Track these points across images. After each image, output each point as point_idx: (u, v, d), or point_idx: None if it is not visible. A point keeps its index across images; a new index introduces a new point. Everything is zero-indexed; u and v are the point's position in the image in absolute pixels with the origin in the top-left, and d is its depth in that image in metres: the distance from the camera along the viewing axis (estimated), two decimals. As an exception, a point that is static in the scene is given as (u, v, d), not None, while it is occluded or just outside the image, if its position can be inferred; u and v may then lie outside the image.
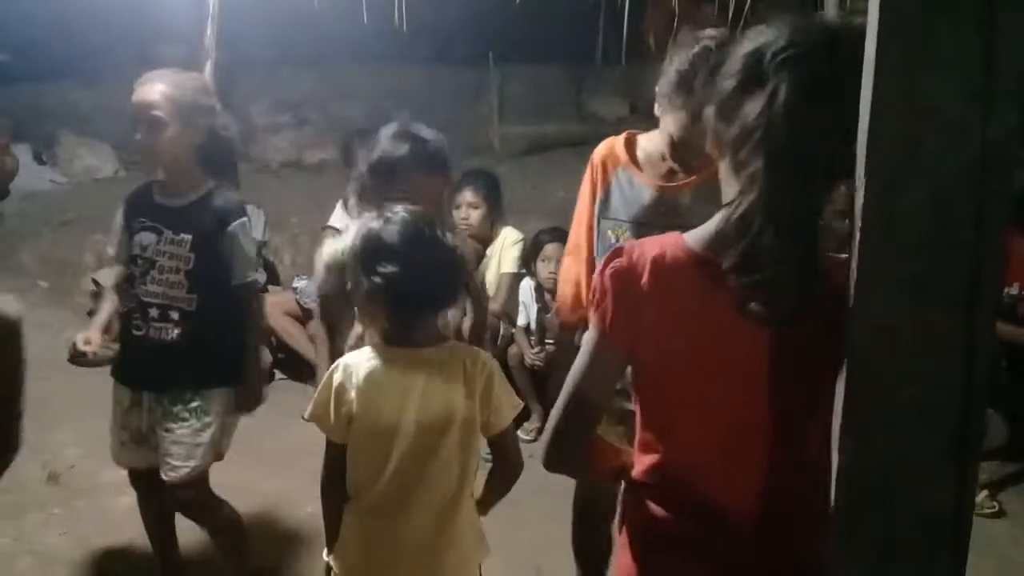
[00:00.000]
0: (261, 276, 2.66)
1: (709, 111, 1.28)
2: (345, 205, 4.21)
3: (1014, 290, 3.70)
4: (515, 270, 4.21)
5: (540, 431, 4.03)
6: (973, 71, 0.98)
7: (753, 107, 1.17)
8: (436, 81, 7.28)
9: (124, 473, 2.68)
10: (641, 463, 1.38)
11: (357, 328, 2.17)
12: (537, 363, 4.04)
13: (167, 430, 2.45)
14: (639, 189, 2.22)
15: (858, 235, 1.04)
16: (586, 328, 1.38)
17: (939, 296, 1.02)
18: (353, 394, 1.82)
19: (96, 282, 4.58)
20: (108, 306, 2.61)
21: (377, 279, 1.78)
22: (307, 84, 7.23)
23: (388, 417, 1.82)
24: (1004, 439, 3.59)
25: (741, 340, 1.24)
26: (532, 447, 3.98)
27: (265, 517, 3.23)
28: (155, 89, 2.41)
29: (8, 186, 5.91)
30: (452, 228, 2.61)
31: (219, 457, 2.57)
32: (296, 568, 3.00)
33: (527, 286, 4.19)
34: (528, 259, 4.20)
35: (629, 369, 1.37)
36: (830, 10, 4.22)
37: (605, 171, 2.27)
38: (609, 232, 2.25)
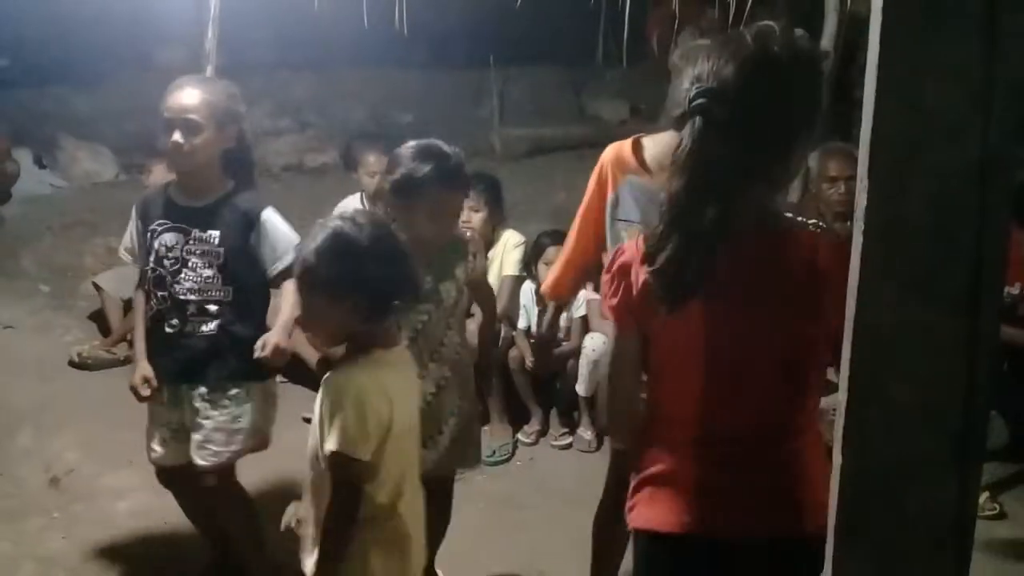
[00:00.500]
0: (292, 253, 2.64)
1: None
2: (362, 200, 4.26)
3: (1015, 290, 3.70)
4: (516, 273, 4.20)
5: (540, 434, 4.03)
6: (973, 74, 0.98)
7: (679, 138, 1.47)
8: (436, 84, 7.29)
9: (125, 477, 2.69)
10: (650, 428, 1.65)
11: None
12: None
13: (208, 417, 2.52)
14: (651, 192, 2.22)
15: (860, 237, 1.04)
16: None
17: (941, 298, 1.02)
18: (386, 408, 1.82)
19: (97, 285, 4.58)
20: (141, 330, 2.62)
21: (359, 281, 1.79)
22: (308, 88, 7.24)
23: (411, 420, 1.90)
24: (1005, 441, 3.58)
25: (702, 308, 1.49)
26: (532, 450, 4.01)
27: (263, 520, 3.23)
28: (192, 93, 2.47)
29: (9, 190, 5.92)
30: (475, 238, 2.66)
31: (264, 445, 2.65)
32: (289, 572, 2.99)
33: (528, 289, 4.19)
34: (529, 262, 4.20)
35: None
36: (830, 11, 4.23)
37: (614, 177, 2.28)
38: (623, 233, 2.26)
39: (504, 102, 7.34)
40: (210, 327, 2.52)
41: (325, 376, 1.90)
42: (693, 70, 1.49)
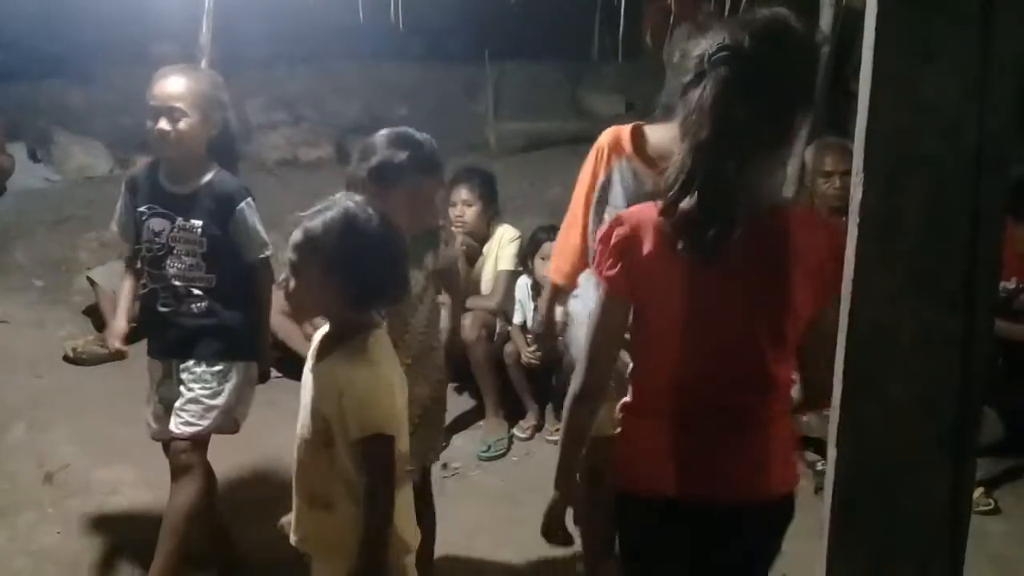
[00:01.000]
0: (271, 251, 2.77)
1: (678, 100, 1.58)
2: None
3: (1010, 284, 3.70)
4: (512, 268, 4.20)
5: (536, 429, 4.02)
6: (969, 69, 0.98)
7: (693, 97, 1.50)
8: (432, 78, 7.27)
9: (119, 472, 2.68)
10: (634, 396, 1.71)
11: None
12: (533, 361, 4.03)
13: (189, 388, 2.62)
14: (641, 180, 2.26)
15: (855, 232, 1.04)
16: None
17: (936, 293, 1.02)
18: (398, 383, 1.89)
19: (91, 280, 4.56)
20: (127, 294, 2.75)
21: (354, 265, 1.81)
22: (303, 81, 7.21)
23: (402, 399, 1.92)
24: (1000, 436, 3.59)
25: (704, 276, 1.55)
26: (528, 445, 4.01)
27: (258, 515, 3.22)
28: (178, 81, 2.53)
29: (3, 184, 5.89)
30: (448, 226, 2.66)
31: (235, 428, 2.71)
32: (280, 571, 2.99)
33: (524, 284, 4.18)
34: (525, 256, 4.19)
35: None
36: (825, 5, 4.22)
37: (609, 158, 2.32)
38: (607, 217, 2.26)
39: (499, 96, 7.32)
40: (200, 306, 2.61)
41: (321, 363, 1.90)
42: (704, 42, 1.52)
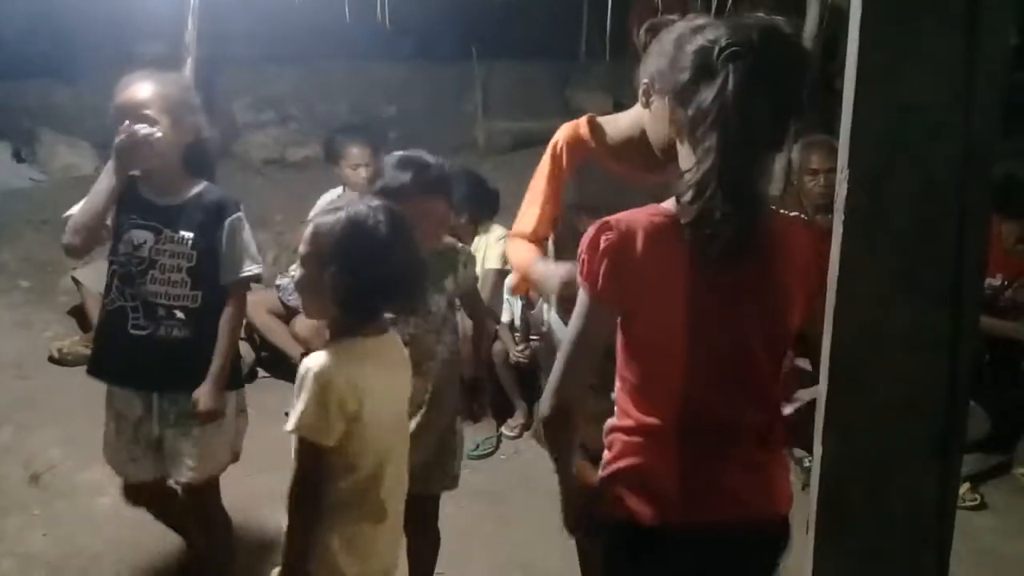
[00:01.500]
0: (261, 267, 2.60)
1: (667, 98, 1.53)
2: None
3: (996, 281, 3.73)
4: (499, 267, 4.20)
5: (524, 427, 4.03)
6: (955, 68, 0.99)
7: (707, 94, 1.40)
8: (420, 77, 7.25)
9: (105, 473, 2.65)
10: (632, 417, 1.56)
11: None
12: (522, 360, 4.03)
13: (184, 432, 2.42)
14: (614, 178, 2.12)
15: (840, 231, 1.04)
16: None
17: (923, 291, 1.03)
18: (351, 397, 1.79)
19: (76, 280, 4.54)
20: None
21: (353, 272, 1.79)
22: (290, 81, 7.19)
23: (391, 413, 1.86)
24: (986, 432, 3.61)
25: (710, 283, 1.46)
26: (516, 443, 4.01)
27: (246, 516, 3.21)
28: (145, 87, 2.40)
29: (-13, 184, 5.85)
30: (466, 249, 2.65)
31: (235, 458, 2.58)
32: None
33: (511, 282, 4.18)
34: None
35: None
36: (811, 4, 4.24)
37: (571, 157, 2.17)
38: (586, 219, 2.06)
39: (488, 95, 7.31)
40: (183, 332, 2.41)
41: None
42: (700, 37, 1.46)
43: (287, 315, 4.47)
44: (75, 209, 2.47)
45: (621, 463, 1.57)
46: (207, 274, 2.43)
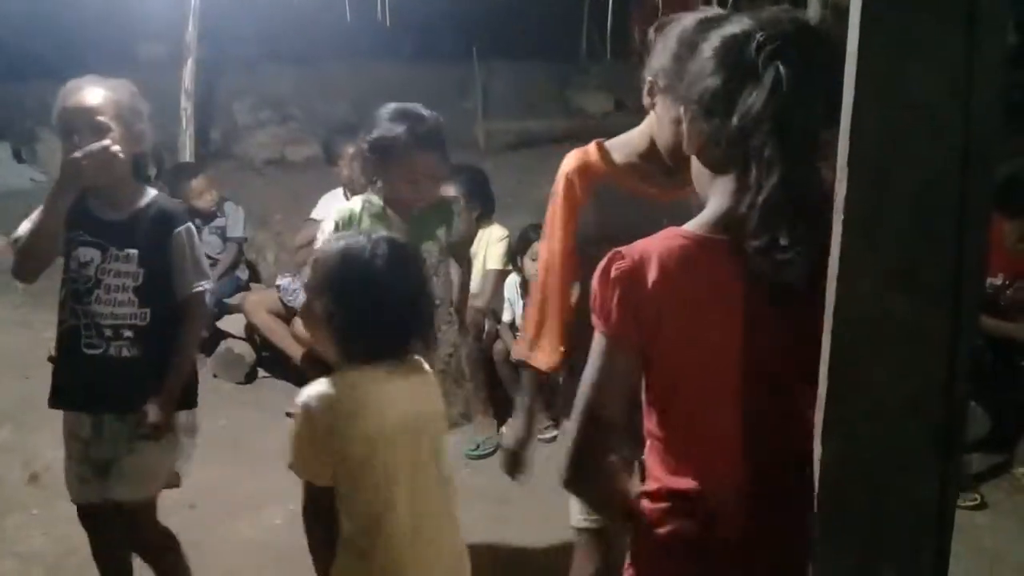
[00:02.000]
0: (209, 285, 2.47)
1: (686, 109, 1.32)
2: (345, 194, 4.23)
3: (997, 280, 3.73)
4: (500, 267, 4.20)
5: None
6: (955, 64, 0.98)
7: (755, 97, 1.21)
8: (420, 77, 7.25)
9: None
10: (660, 481, 1.33)
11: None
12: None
13: (132, 451, 2.31)
14: (634, 204, 1.92)
15: (839, 228, 1.04)
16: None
17: (923, 289, 1.02)
18: (342, 432, 1.72)
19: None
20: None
21: (340, 306, 1.72)
22: (290, 81, 7.20)
23: (385, 445, 1.73)
24: (986, 431, 3.61)
25: (769, 319, 1.25)
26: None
27: (245, 517, 3.21)
28: (96, 93, 2.26)
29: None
30: (445, 197, 2.66)
31: (175, 483, 2.46)
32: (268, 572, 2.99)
33: (512, 282, 4.18)
34: (514, 255, 4.19)
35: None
36: (813, 2, 4.24)
37: (583, 187, 1.97)
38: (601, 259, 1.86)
39: (488, 95, 7.32)
40: (132, 352, 2.29)
41: None
42: (718, 33, 1.28)
43: (287, 315, 4.47)
44: (23, 230, 2.30)
45: (648, 534, 1.35)
46: (155, 291, 2.30)
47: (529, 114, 7.25)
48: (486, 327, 4.15)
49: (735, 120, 1.22)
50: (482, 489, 3.46)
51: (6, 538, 3.07)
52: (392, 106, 2.42)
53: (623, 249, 1.30)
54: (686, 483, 1.30)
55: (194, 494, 3.19)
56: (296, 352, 4.23)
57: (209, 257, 4.14)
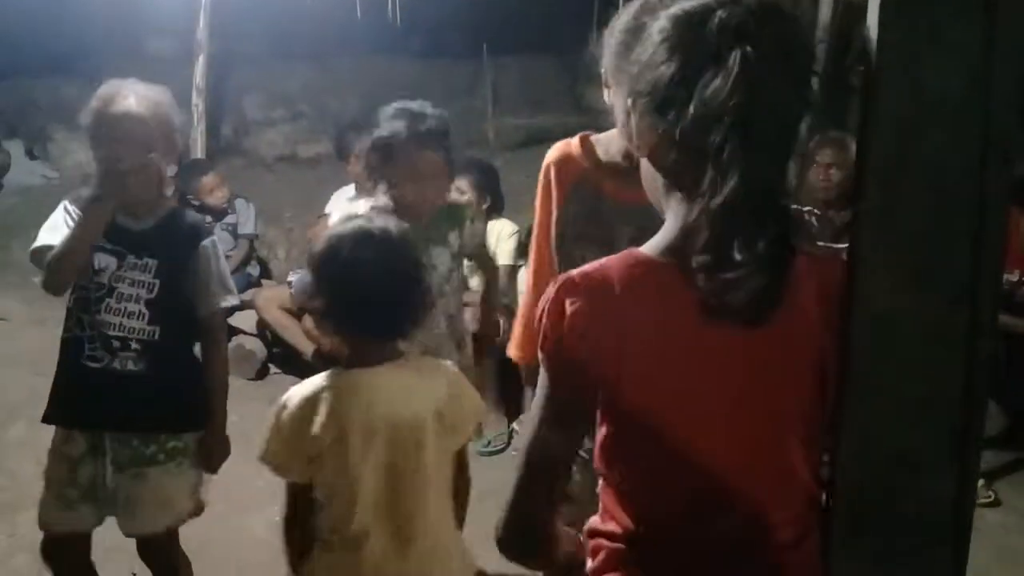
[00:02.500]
0: (235, 300, 2.39)
1: (635, 102, 1.12)
2: (357, 191, 4.24)
3: (1013, 276, 3.70)
4: (512, 262, 4.20)
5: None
6: (974, 58, 0.97)
7: (716, 85, 1.01)
8: (430, 74, 7.24)
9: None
10: (612, 518, 1.19)
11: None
12: (534, 356, 4.02)
13: (137, 476, 2.19)
14: (607, 205, 1.84)
15: (857, 224, 1.03)
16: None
17: (940, 286, 1.01)
18: (315, 428, 1.70)
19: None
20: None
21: (327, 293, 1.72)
22: (301, 78, 7.20)
23: (360, 448, 1.70)
24: (1001, 429, 3.59)
25: (724, 348, 1.09)
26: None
27: (256, 513, 3.21)
28: (142, 102, 2.14)
29: (0, 181, 5.89)
30: (457, 200, 2.62)
31: (199, 511, 2.30)
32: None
33: (524, 277, 4.18)
34: (527, 250, 4.19)
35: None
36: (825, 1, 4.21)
37: (562, 182, 1.91)
38: (579, 259, 1.71)
39: (498, 92, 7.31)
40: (138, 366, 2.17)
41: None
42: (666, 15, 1.08)
43: (299, 311, 4.48)
44: (44, 240, 2.20)
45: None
46: (167, 307, 2.19)
47: (539, 110, 7.23)
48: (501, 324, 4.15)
49: (691, 112, 1.03)
50: (493, 485, 3.44)
51: (20, 533, 3.08)
52: (395, 104, 2.36)
53: (575, 275, 1.11)
54: (646, 528, 1.16)
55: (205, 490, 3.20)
56: (308, 348, 4.24)
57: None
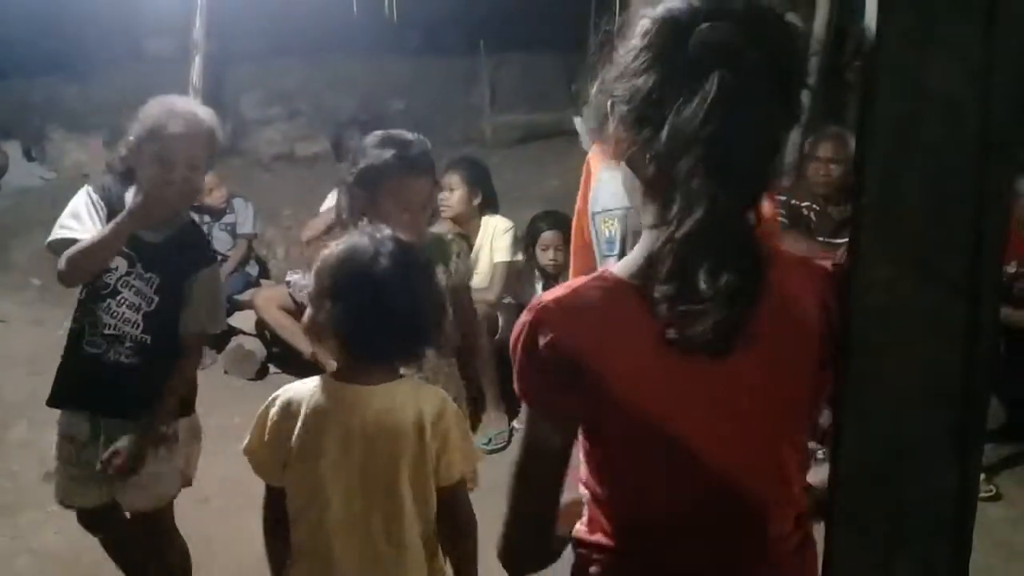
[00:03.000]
0: (218, 331, 2.49)
1: (613, 104, 1.09)
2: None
3: (1011, 268, 3.70)
4: (508, 259, 4.21)
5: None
6: (973, 52, 0.97)
7: (689, 110, 0.98)
8: (427, 71, 7.25)
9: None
10: (599, 528, 1.21)
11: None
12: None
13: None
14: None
15: (857, 217, 1.03)
16: None
17: (941, 279, 1.01)
18: (294, 435, 1.69)
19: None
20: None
21: (342, 309, 1.66)
22: (298, 76, 7.19)
23: (327, 462, 1.67)
24: (1001, 422, 3.59)
25: (693, 375, 1.07)
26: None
27: (257, 511, 3.22)
28: (199, 125, 2.19)
29: (-3, 182, 5.89)
30: (460, 239, 2.57)
31: (187, 483, 2.44)
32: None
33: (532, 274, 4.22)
34: (527, 246, 4.22)
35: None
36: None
37: (592, 170, 2.08)
38: (602, 225, 2.07)
39: (495, 88, 7.31)
40: (133, 360, 2.26)
41: None
42: (650, 22, 1.03)
43: (298, 311, 4.48)
44: (62, 233, 2.25)
45: None
46: (162, 323, 2.26)
47: (536, 108, 7.23)
48: (500, 322, 4.15)
49: (664, 135, 1.00)
50: (494, 482, 3.45)
51: (22, 535, 3.08)
52: (378, 133, 2.31)
53: (548, 303, 1.09)
54: (627, 546, 1.17)
55: (207, 489, 3.19)
56: (306, 348, 4.23)
57: (219, 254, 4.15)
